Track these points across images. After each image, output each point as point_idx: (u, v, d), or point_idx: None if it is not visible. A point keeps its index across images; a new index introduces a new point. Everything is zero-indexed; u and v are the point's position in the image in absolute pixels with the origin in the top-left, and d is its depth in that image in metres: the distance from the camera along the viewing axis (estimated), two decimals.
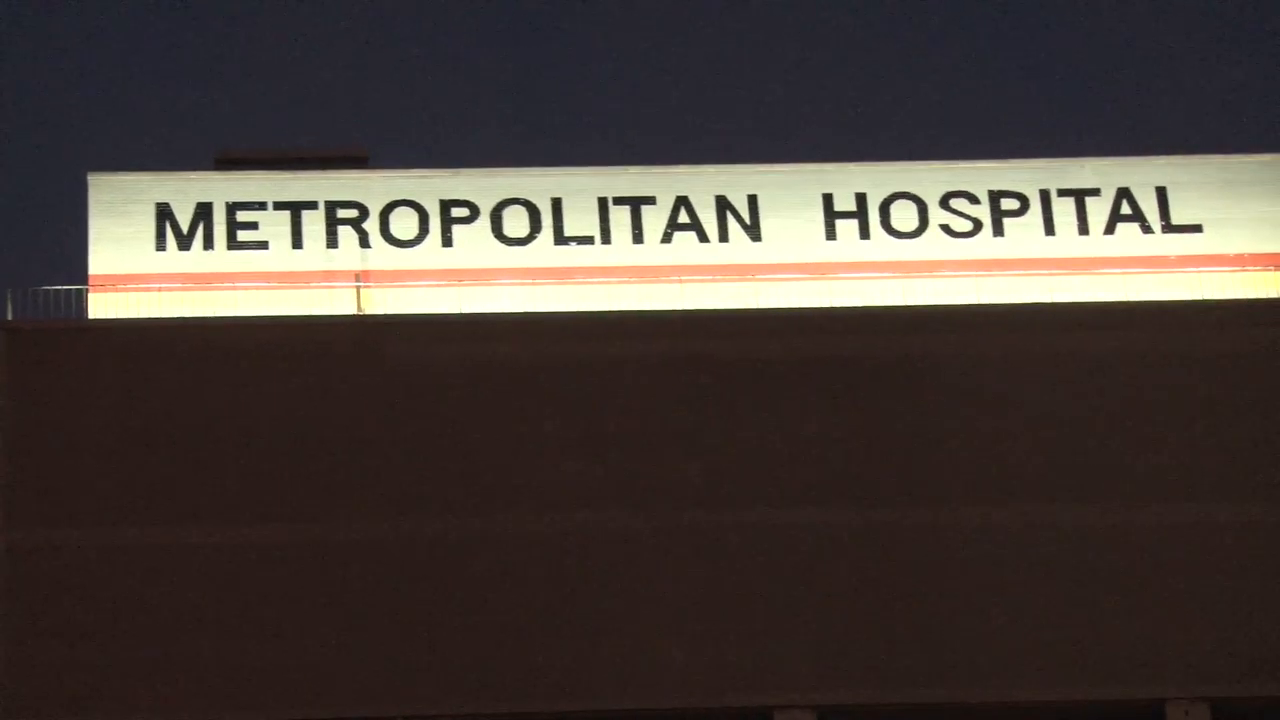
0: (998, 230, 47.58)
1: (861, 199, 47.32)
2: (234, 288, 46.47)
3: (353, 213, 47.38)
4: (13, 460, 43.63)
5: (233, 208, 47.30)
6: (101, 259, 46.43)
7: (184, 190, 47.45)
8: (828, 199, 47.42)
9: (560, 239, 47.43)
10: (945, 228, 47.51)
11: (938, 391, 44.70)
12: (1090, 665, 42.86)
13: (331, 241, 47.15)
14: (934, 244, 47.42)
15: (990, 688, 42.50)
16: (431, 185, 48.15)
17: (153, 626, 42.83)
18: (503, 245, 47.53)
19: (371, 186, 47.87)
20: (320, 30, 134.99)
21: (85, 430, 43.95)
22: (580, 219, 47.54)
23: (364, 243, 47.32)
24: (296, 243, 47.19)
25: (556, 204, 47.69)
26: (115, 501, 43.46)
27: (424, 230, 47.58)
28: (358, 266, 47.52)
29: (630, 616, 43.19)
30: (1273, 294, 46.91)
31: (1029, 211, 47.43)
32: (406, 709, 42.92)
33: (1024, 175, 47.79)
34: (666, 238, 47.13)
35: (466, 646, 42.74)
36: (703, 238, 47.01)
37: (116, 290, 46.20)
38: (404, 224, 47.82)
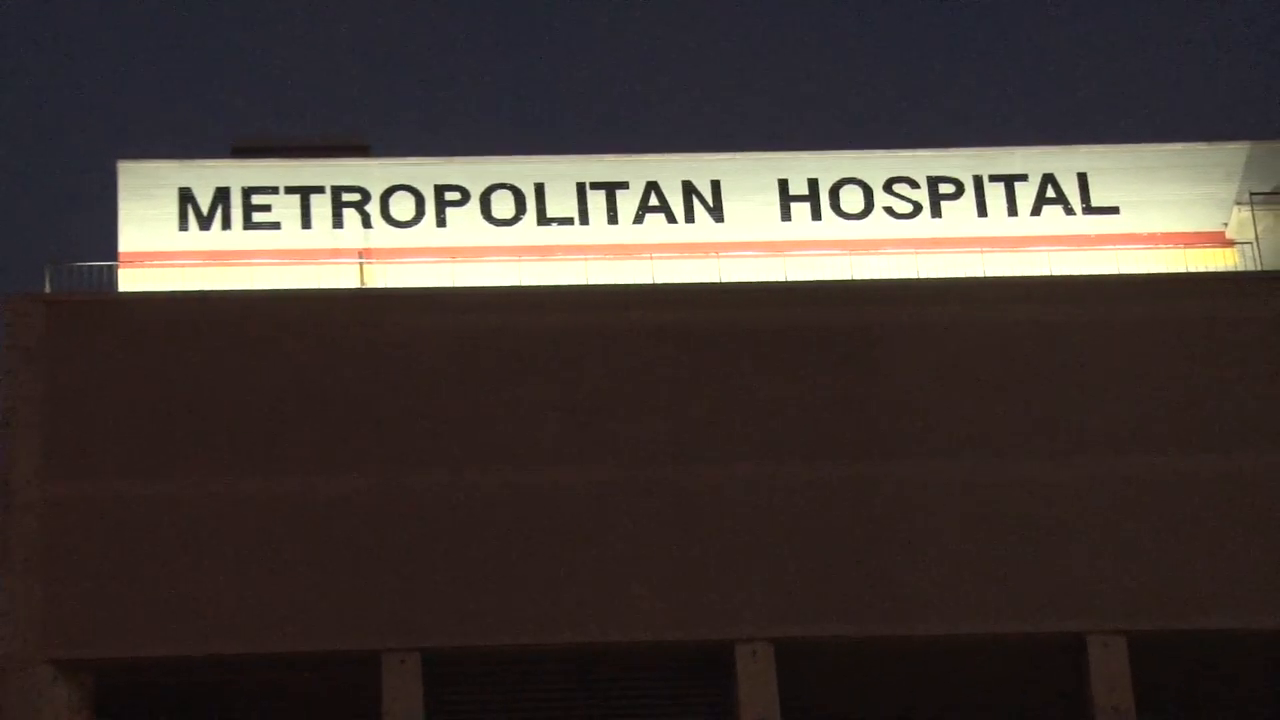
0: (935, 212, 47.89)
1: (813, 184, 47.57)
2: (249, 264, 46.69)
3: (356, 196, 47.64)
4: (51, 420, 43.69)
5: (248, 192, 47.56)
6: (130, 238, 46.81)
7: (204, 176, 47.71)
8: (783, 184, 47.68)
9: (543, 220, 47.81)
10: (889, 210, 47.78)
11: (882, 357, 44.85)
12: (1019, 602, 43.02)
13: (337, 222, 47.47)
14: (878, 224, 47.61)
15: (930, 622, 42.69)
16: (427, 172, 48.29)
17: (175, 565, 43.01)
18: (491, 226, 47.86)
19: (372, 173, 48.11)
20: (326, 31, 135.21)
21: (115, 392, 44.22)
22: (561, 202, 47.82)
23: (366, 223, 47.73)
24: (305, 223, 47.45)
25: (539, 189, 47.97)
26: (142, 455, 43.63)
27: (420, 212, 47.79)
28: (360, 245, 47.90)
29: (606, 559, 43.55)
30: (1181, 269, 46.47)
31: (964, 195, 47.81)
32: (403, 642, 42.66)
33: (959, 162, 48.18)
34: (638, 219, 47.43)
35: (454, 586, 43.08)
36: (671, 219, 47.31)
37: (144, 266, 46.56)
38: (402, 206, 47.86)
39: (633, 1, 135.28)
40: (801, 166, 48.24)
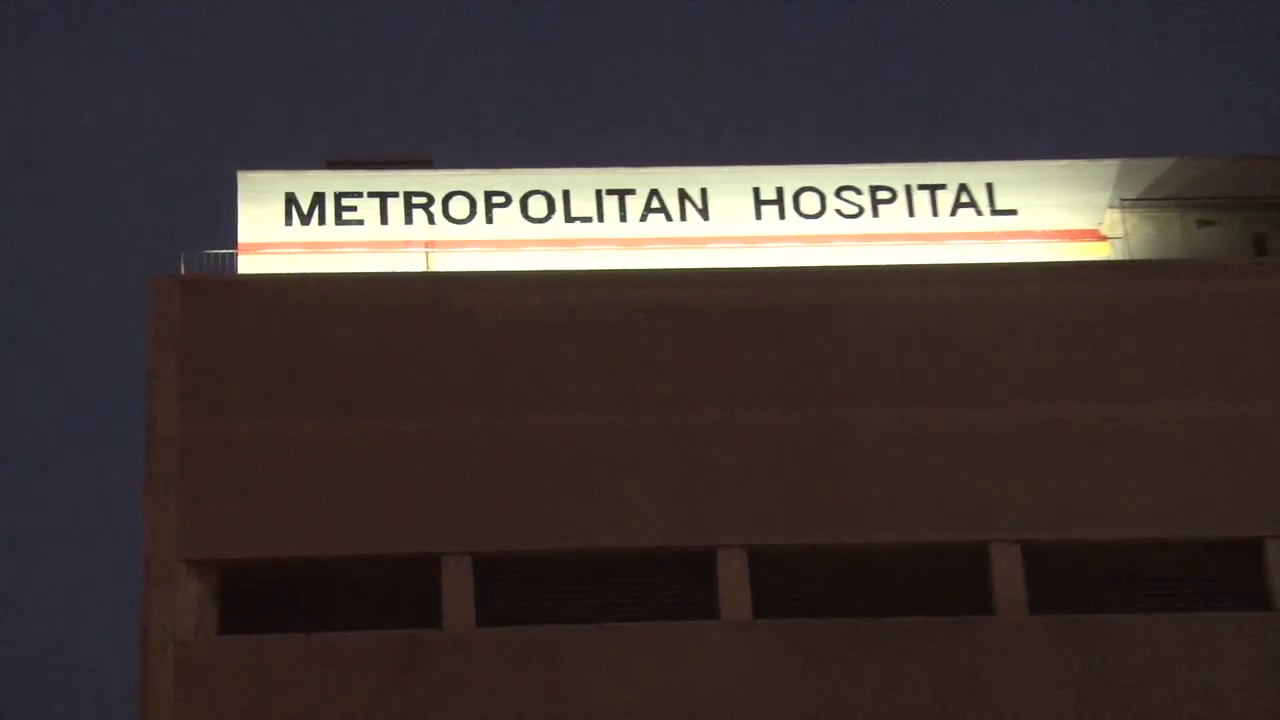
0: (875, 213, 48.32)
1: (779, 191, 48.66)
2: (339, 252, 47.92)
3: (422, 199, 48.39)
4: (185, 373, 44.91)
5: (338, 196, 48.18)
6: (246, 231, 47.61)
7: (304, 183, 48.18)
8: (755, 190, 48.61)
9: (568, 219, 48.31)
10: (838, 211, 48.47)
11: (835, 325, 46.03)
12: (940, 517, 44.22)
13: (408, 219, 48.17)
14: (830, 223, 48.31)
15: (875, 532, 43.83)
16: (478, 180, 48.68)
17: (282, 485, 43.81)
18: (528, 223, 48.33)
19: (435, 181, 48.66)
20: (400, 69, 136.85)
21: (235, 352, 45.12)
22: (582, 205, 48.43)
23: (430, 220, 48.20)
24: (383, 220, 48.09)
25: (566, 194, 48.42)
26: (256, 401, 44.60)
27: (473, 212, 48.29)
28: (426, 237, 48.14)
29: (618, 483, 44.15)
30: (1066, 258, 47.93)
31: (897, 200, 48.54)
32: (458, 547, 43.22)
33: (894, 174, 48.85)
34: (643, 218, 48.31)
35: (501, 503, 43.88)
36: (668, 218, 48.35)
37: (257, 254, 47.69)
38: (459, 207, 48.22)
39: (638, 48, 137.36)
40: (770, 177, 48.73)
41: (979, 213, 48.33)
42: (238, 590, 43.36)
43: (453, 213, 48.48)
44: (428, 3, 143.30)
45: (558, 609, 43.35)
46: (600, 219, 48.20)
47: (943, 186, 48.63)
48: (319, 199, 48.29)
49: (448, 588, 42.98)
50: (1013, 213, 48.29)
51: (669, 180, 48.55)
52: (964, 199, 48.47)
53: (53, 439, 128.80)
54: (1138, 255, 47.97)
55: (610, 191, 48.53)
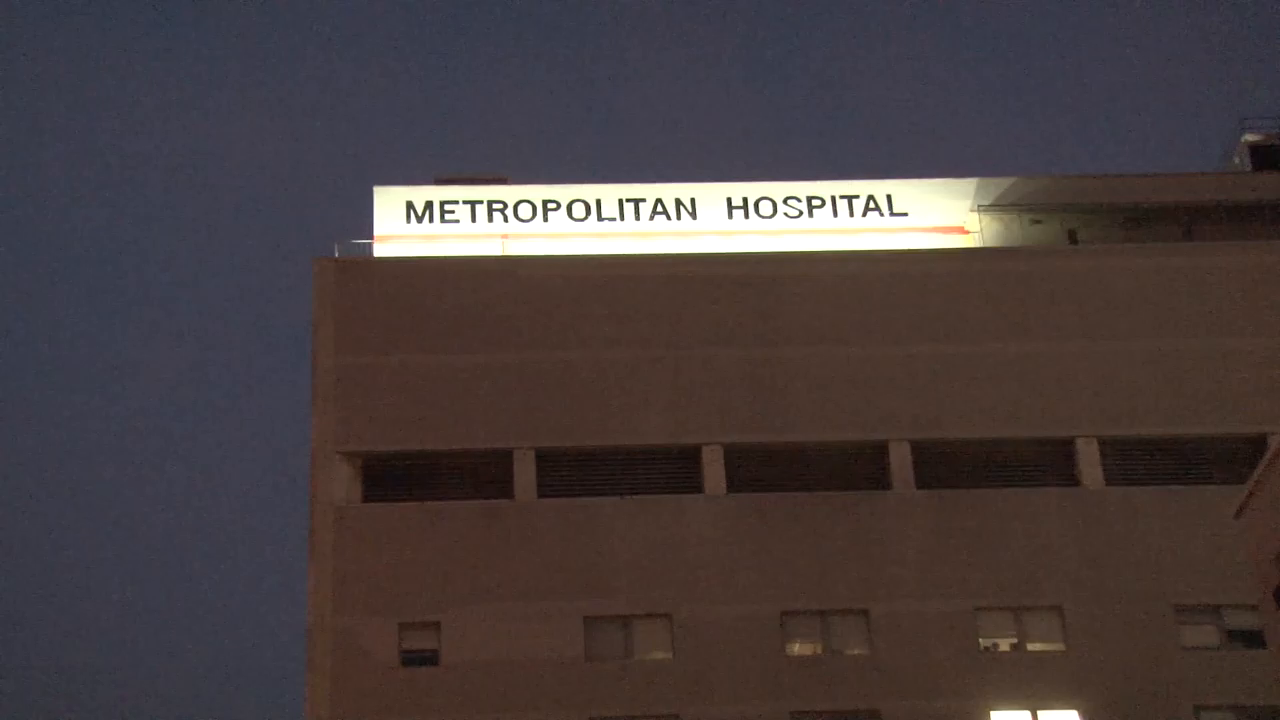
0: (810, 215, 48.74)
1: (745, 199, 49.03)
2: (442, 242, 48.16)
3: (500, 205, 48.77)
4: (340, 324, 45.75)
5: (442, 203, 48.51)
6: (379, 227, 48.16)
7: (419, 195, 48.70)
8: (729, 199, 49.02)
9: (600, 219, 48.65)
10: (785, 214, 48.83)
11: (784, 292, 46.70)
12: (857, 419, 44.52)
13: (489, 219, 48.58)
14: (780, 222, 48.77)
15: (809, 433, 44.56)
16: (538, 192, 49.10)
17: (406, 397, 44.38)
18: (572, 222, 48.72)
19: (508, 193, 49.08)
20: (484, 109, 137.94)
21: (374, 310, 45.99)
22: (610, 209, 48.74)
23: (505, 220, 48.60)
24: (472, 220, 48.47)
25: (599, 201, 48.84)
26: (389, 342, 45.41)
27: (534, 214, 48.74)
28: (502, 232, 48.48)
29: (634, 401, 44.87)
30: (942, 245, 48.17)
31: (826, 206, 48.93)
32: (524, 443, 43.78)
33: (824, 188, 49.27)
34: (651, 218, 48.66)
35: (555, 413, 44.50)
36: (669, 218, 48.68)
37: (387, 243, 48.04)
38: (524, 211, 48.81)
39: (647, 103, 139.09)
40: (738, 190, 49.13)
41: (881, 214, 48.81)
42: (375, 472, 44.01)
43: (520, 215, 48.76)
44: (506, 66, 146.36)
45: (592, 485, 44.11)
46: (622, 219, 48.62)
47: (857, 196, 49.04)
48: (429, 205, 48.48)
49: (517, 471, 43.87)
50: (905, 214, 48.81)
51: (669, 192, 49.02)
52: (872, 205, 48.88)
53: (243, 372, 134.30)
54: (989, 244, 48.55)
55: (629, 199, 48.87)
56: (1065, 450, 45.00)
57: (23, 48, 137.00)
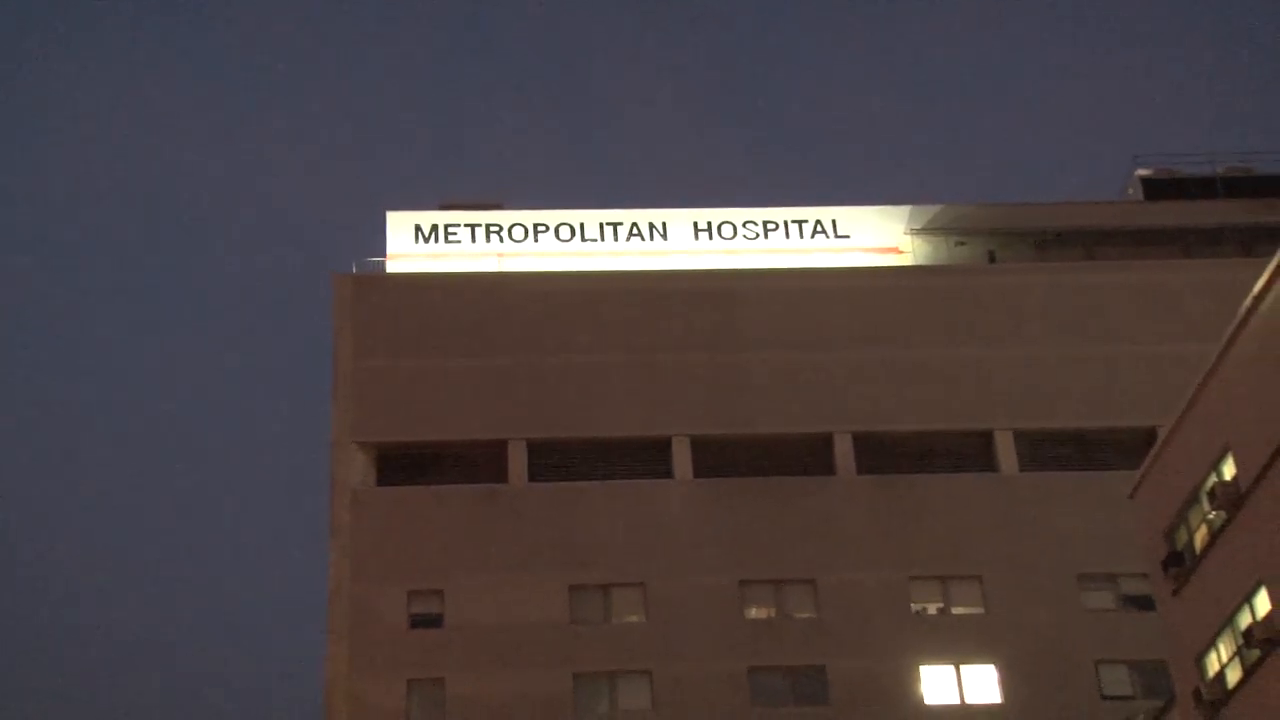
0: (766, 237, 48.81)
1: (709, 223, 49.13)
2: (446, 260, 48.00)
3: (496, 228, 48.79)
4: (358, 330, 45.54)
5: (446, 226, 48.50)
6: (392, 246, 48.10)
7: (425, 219, 48.38)
8: (695, 223, 49.16)
9: (583, 240, 48.57)
10: (744, 236, 48.82)
11: (743, 302, 46.74)
12: (809, 410, 44.26)
13: (487, 240, 48.49)
14: (739, 243, 48.84)
15: (764, 426, 44.15)
16: (529, 216, 49.04)
17: (417, 394, 43.76)
18: (559, 242, 48.64)
19: (503, 217, 49.01)
20: (482, 141, 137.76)
21: (386, 318, 45.82)
22: (592, 231, 48.75)
23: (500, 241, 48.48)
24: (472, 240, 48.30)
25: (582, 225, 48.79)
26: (399, 346, 45.09)
27: (526, 236, 48.66)
28: (498, 250, 48.35)
29: (613, 394, 44.59)
30: (880, 264, 48.21)
31: (779, 229, 49.01)
32: (518, 434, 43.45)
33: (777, 214, 49.27)
34: (628, 239, 48.58)
35: (544, 407, 43.78)
36: (643, 239, 48.67)
37: (398, 260, 47.88)
38: (518, 233, 48.72)
39: (622, 127, 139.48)
40: (703, 215, 49.20)
41: (827, 237, 49.06)
42: (387, 459, 44.05)
43: (514, 236, 48.75)
44: (502, 108, 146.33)
45: (577, 471, 44.05)
46: (602, 240, 48.59)
47: (806, 221, 49.25)
48: (435, 227, 48.45)
49: (511, 459, 43.81)
50: (848, 236, 49.07)
51: (643, 217, 49.13)
52: (819, 228, 49.13)
53: (272, 373, 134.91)
54: (920, 263, 48.77)
55: (608, 223, 48.93)
56: (985, 441, 45.39)
57: (77, 80, 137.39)
